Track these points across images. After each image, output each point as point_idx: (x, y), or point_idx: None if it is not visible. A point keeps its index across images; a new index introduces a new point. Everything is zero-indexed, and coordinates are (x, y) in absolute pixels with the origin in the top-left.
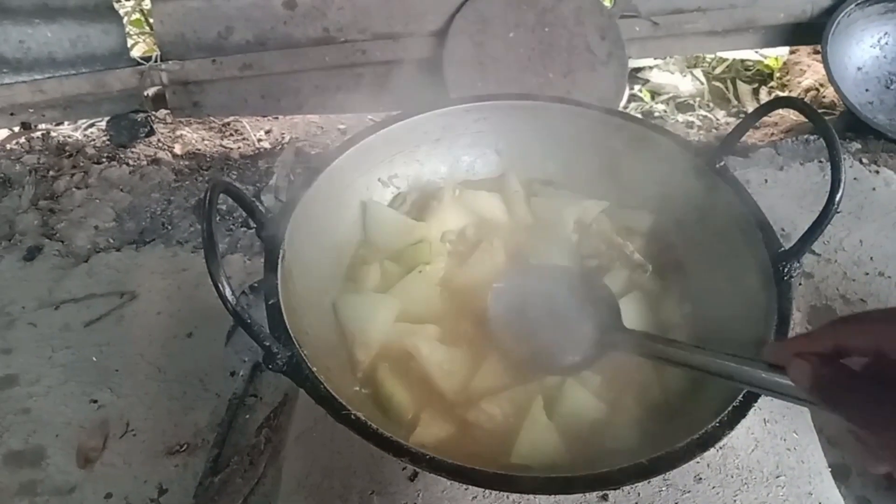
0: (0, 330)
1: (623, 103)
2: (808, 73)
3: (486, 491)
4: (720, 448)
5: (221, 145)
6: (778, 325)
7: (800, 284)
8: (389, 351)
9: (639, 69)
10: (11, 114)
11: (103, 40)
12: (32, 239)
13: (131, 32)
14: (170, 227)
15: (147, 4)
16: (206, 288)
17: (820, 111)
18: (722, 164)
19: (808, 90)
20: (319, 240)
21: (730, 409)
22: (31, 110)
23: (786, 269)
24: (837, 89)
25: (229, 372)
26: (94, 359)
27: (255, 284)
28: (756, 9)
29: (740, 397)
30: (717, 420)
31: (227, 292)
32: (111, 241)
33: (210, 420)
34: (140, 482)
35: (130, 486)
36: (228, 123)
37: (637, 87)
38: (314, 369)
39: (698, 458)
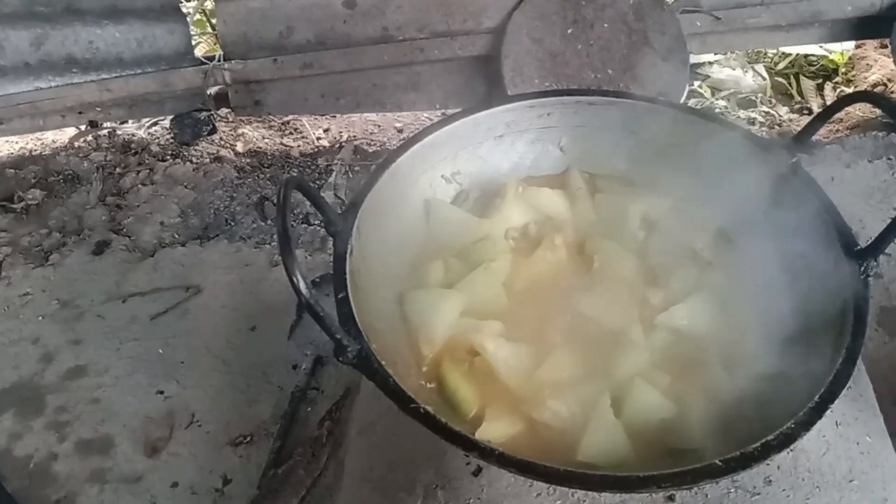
0: (70, 322)
1: (683, 99)
2: (875, 67)
3: (551, 488)
4: (791, 450)
5: (282, 143)
6: (854, 325)
7: None
8: (454, 346)
9: (698, 64)
10: (80, 112)
11: (168, 40)
12: (100, 234)
13: (193, 33)
14: (233, 224)
15: (209, 5)
16: (268, 283)
17: None
18: (795, 160)
19: (875, 85)
20: (385, 236)
21: (806, 409)
22: (98, 109)
23: (863, 268)
24: None
25: (292, 365)
26: (161, 351)
27: (318, 279)
28: (822, 2)
29: (816, 398)
30: (793, 421)
31: (302, 286)
32: (176, 236)
33: (273, 412)
34: (205, 472)
35: (196, 475)
36: (288, 122)
37: (697, 83)
38: (383, 363)
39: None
